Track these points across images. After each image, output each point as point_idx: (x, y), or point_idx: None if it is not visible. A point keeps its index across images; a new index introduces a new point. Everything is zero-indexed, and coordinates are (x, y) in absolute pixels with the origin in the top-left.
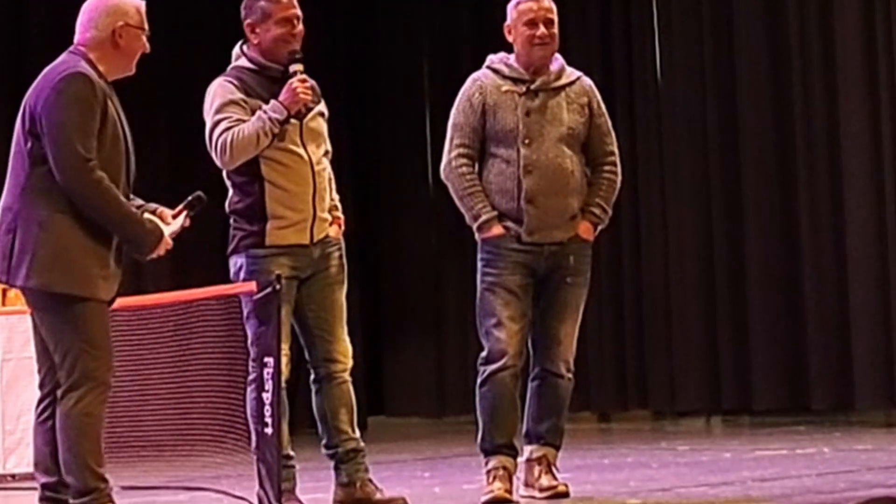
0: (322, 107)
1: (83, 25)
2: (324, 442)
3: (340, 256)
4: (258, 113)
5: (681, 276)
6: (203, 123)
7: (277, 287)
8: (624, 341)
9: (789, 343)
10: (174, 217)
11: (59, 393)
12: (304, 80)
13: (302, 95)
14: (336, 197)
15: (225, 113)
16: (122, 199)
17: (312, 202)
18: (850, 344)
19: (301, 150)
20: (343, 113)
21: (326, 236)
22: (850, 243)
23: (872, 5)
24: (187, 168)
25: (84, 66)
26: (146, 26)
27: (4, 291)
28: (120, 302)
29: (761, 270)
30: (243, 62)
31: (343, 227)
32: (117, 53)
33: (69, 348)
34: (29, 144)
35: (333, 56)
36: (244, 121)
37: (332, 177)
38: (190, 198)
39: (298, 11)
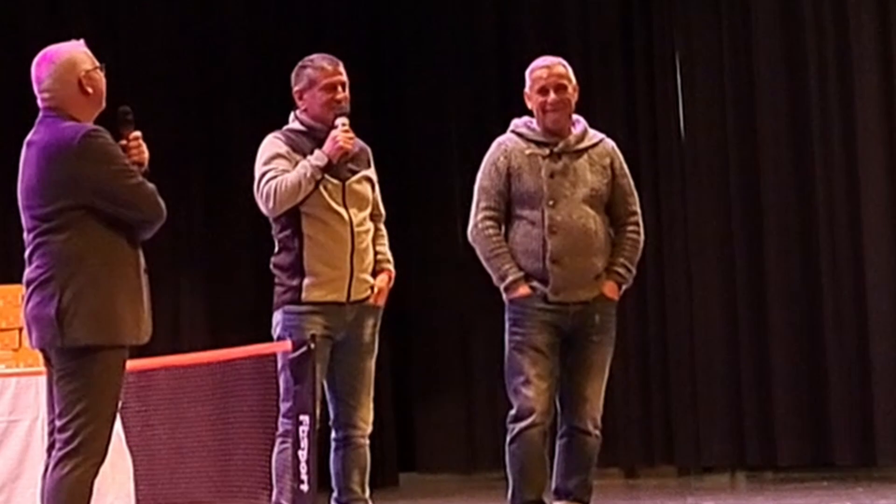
0: (370, 172)
1: (47, 91)
2: (334, 496)
3: (375, 325)
4: (302, 162)
5: (705, 333)
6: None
7: (312, 346)
8: (650, 398)
9: (812, 399)
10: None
11: (54, 457)
12: (346, 131)
13: (343, 143)
14: (388, 253)
15: (271, 164)
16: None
17: (350, 261)
18: (871, 401)
19: (342, 210)
20: None
21: (365, 300)
22: (871, 301)
23: (891, 67)
24: (221, 224)
25: (83, 125)
26: (97, 62)
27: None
28: (158, 361)
29: (784, 327)
30: (294, 124)
31: (392, 280)
32: (89, 100)
33: (80, 412)
34: (55, 222)
35: (359, 117)
36: (289, 171)
37: (385, 235)
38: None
39: (343, 78)
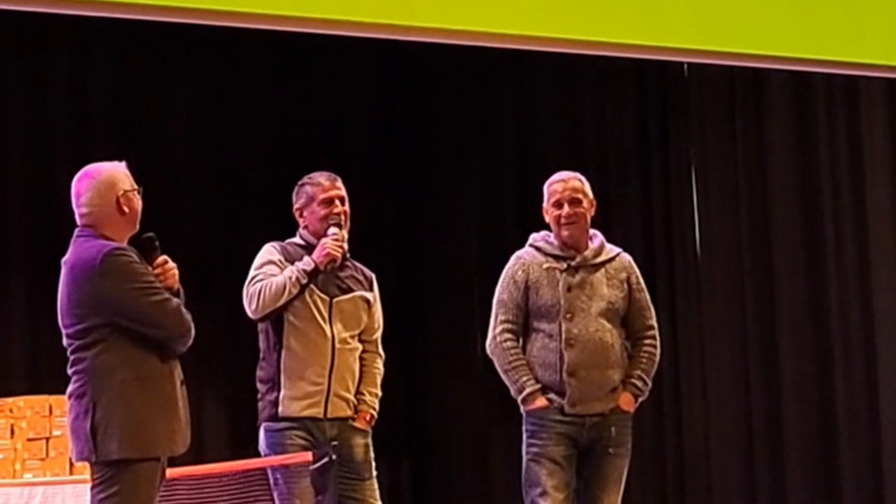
0: (368, 294)
1: (84, 206)
2: None
3: (366, 445)
4: (290, 267)
5: (721, 447)
6: None
7: (334, 457)
8: None
9: None
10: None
11: None
12: (336, 239)
13: (331, 250)
14: (374, 391)
15: (261, 270)
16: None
17: (329, 377)
18: None
19: (325, 326)
20: (390, 288)
21: (348, 419)
22: (885, 414)
23: None
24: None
25: (107, 243)
26: (136, 185)
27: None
28: (180, 471)
29: (800, 444)
30: (296, 239)
31: (373, 420)
32: (124, 219)
33: None
34: (85, 340)
35: (380, 230)
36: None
37: (379, 369)
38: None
39: (341, 193)
